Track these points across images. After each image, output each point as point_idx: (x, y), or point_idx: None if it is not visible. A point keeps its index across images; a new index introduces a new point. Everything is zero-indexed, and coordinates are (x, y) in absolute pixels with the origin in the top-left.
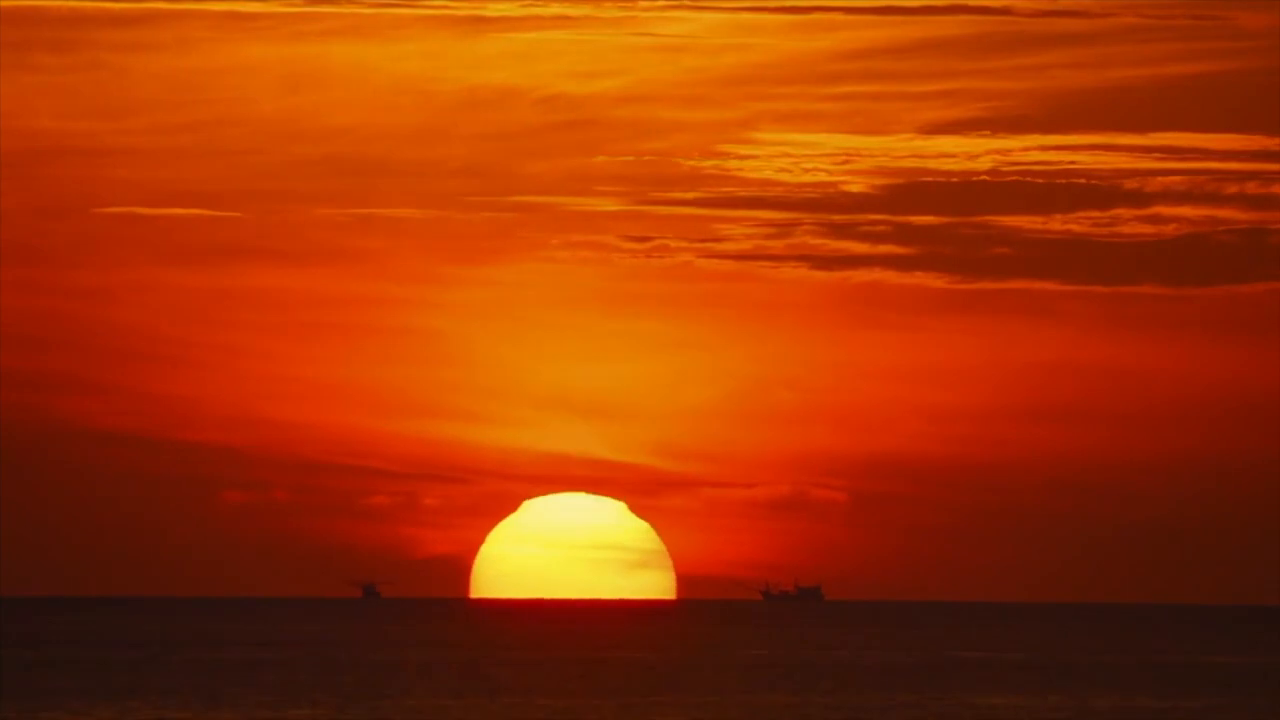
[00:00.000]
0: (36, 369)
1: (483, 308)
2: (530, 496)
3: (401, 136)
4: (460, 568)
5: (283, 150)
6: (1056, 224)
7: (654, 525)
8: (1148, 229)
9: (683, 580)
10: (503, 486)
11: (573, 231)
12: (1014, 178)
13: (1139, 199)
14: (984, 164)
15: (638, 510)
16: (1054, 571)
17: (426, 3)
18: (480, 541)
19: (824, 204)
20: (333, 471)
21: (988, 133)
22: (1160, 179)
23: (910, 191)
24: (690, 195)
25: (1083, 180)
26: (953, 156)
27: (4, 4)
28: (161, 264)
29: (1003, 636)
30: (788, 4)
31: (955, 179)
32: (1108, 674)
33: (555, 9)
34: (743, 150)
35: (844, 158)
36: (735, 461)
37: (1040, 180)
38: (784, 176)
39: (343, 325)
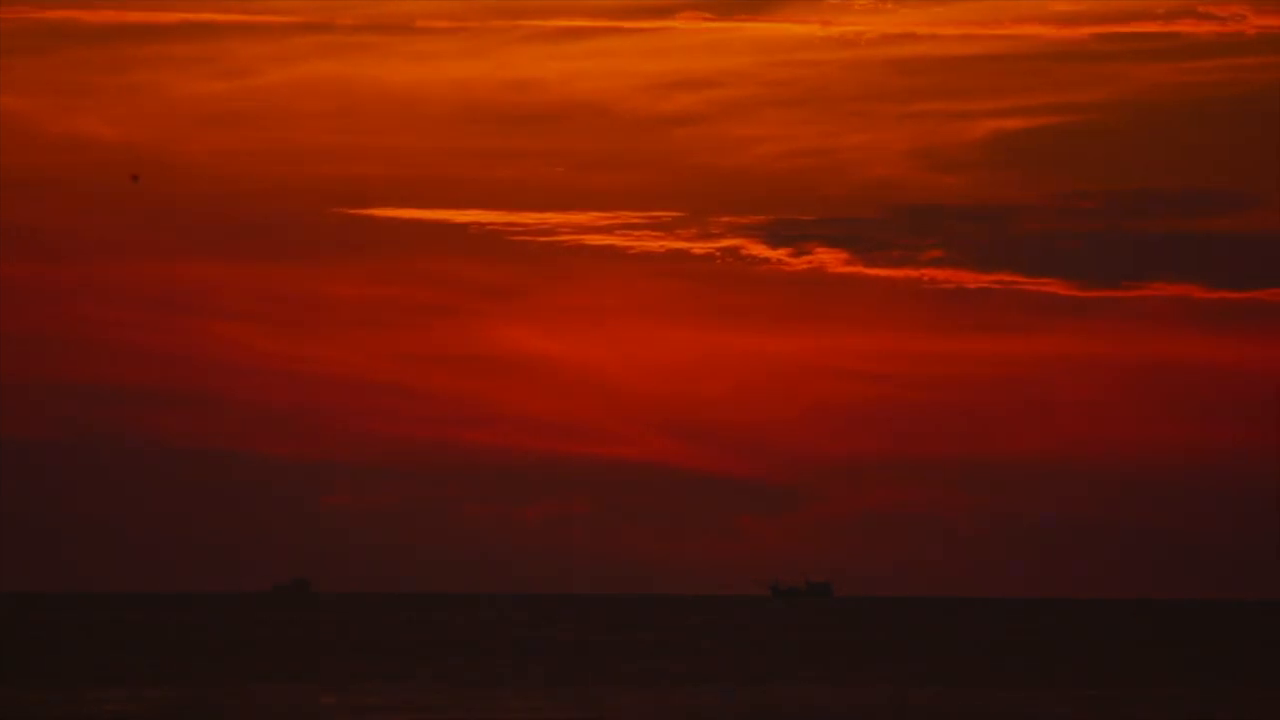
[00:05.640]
0: (152, 386)
1: (577, 321)
2: (632, 510)
3: (478, 150)
4: (562, 575)
5: (367, 159)
6: (1183, 228)
7: (743, 531)
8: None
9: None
10: (607, 498)
11: (667, 241)
12: (1133, 184)
13: (1269, 204)
14: (1100, 170)
15: (729, 518)
16: (1198, 569)
17: (496, 20)
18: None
19: (935, 210)
20: (433, 481)
21: (1088, 140)
22: None
23: (1029, 199)
24: (789, 204)
25: (1207, 185)
26: (1064, 163)
27: (86, 17)
28: (243, 278)
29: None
30: (862, 20)
31: (1096, 187)
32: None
33: (632, 22)
34: (848, 159)
35: (947, 164)
36: (858, 465)
37: (1161, 185)
38: (882, 186)
39: (431, 338)
